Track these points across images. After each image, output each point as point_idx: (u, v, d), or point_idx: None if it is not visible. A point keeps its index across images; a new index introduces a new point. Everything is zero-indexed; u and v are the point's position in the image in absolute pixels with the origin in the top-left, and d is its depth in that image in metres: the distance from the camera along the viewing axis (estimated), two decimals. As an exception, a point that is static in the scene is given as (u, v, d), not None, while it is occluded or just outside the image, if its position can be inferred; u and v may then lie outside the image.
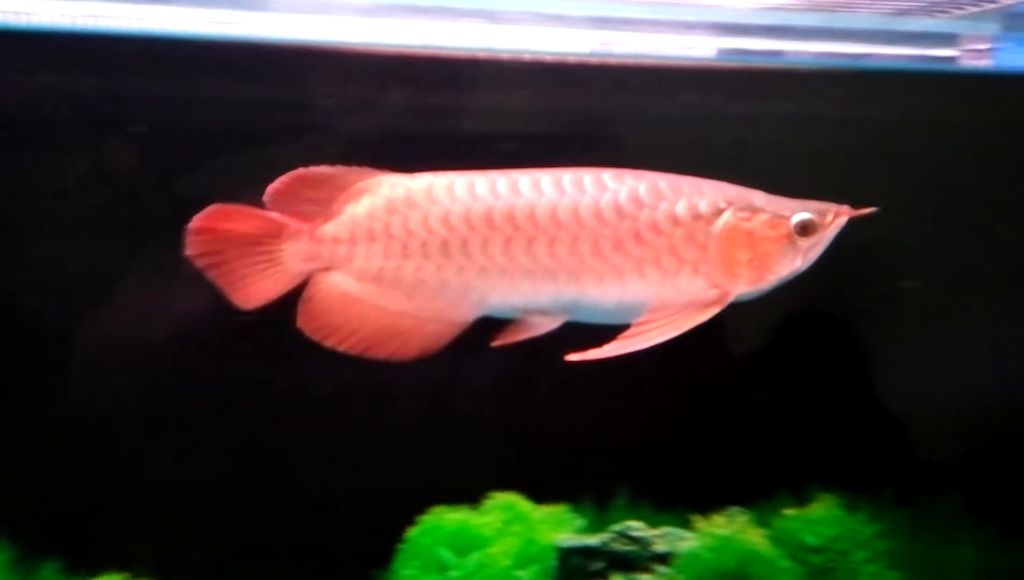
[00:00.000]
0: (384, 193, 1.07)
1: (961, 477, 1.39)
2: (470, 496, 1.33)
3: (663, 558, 1.21)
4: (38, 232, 1.34)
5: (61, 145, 1.33)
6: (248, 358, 1.38)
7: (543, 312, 1.06)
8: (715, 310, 1.03)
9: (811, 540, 1.23)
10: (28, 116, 1.30)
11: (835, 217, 1.05)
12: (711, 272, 1.04)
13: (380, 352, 1.06)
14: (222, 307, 1.07)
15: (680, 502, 1.31)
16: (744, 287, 1.05)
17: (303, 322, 1.06)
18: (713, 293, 1.04)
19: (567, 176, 1.06)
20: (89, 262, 1.34)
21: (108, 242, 1.35)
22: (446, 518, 1.29)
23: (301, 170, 1.07)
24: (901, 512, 1.29)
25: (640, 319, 1.03)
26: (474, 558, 1.24)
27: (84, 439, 1.36)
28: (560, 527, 1.29)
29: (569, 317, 1.06)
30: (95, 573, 1.23)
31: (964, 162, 1.44)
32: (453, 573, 1.23)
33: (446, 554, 1.25)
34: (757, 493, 1.31)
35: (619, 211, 1.04)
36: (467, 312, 1.07)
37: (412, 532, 1.27)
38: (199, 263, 1.07)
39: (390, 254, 1.06)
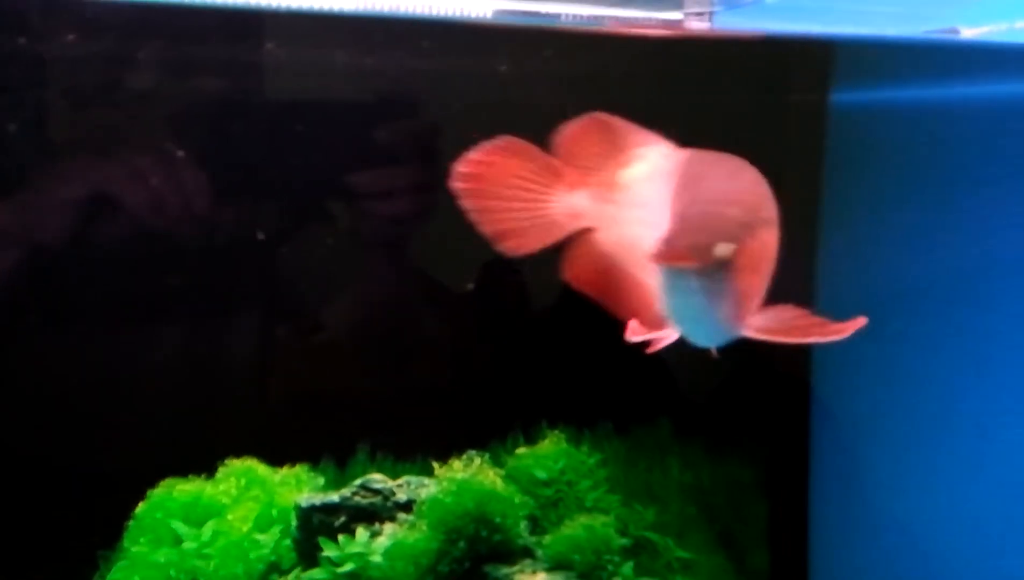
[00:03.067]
0: (655, 162, 1.01)
1: (669, 403, 1.53)
2: (205, 467, 1.29)
3: (405, 506, 1.23)
4: None
5: None
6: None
7: None
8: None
9: (541, 474, 1.30)
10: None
11: None
12: None
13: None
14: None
15: (420, 452, 1.35)
16: None
17: (573, 276, 1.01)
18: None
19: None
20: None
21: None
22: (178, 490, 1.24)
23: (601, 116, 0.99)
24: (618, 441, 1.39)
25: None
26: (210, 527, 1.21)
27: None
28: (300, 488, 1.28)
29: None
30: None
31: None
32: (188, 544, 1.19)
33: (179, 526, 1.20)
34: (490, 436, 1.37)
35: None
36: None
37: (141, 507, 1.21)
38: (470, 200, 0.97)
39: (647, 225, 0.99)
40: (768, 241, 0.95)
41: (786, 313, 0.97)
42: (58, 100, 1.28)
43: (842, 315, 0.96)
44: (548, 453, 1.32)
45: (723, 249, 0.89)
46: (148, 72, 1.30)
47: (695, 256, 0.89)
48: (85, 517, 1.23)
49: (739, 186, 0.98)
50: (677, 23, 1.42)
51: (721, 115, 1.44)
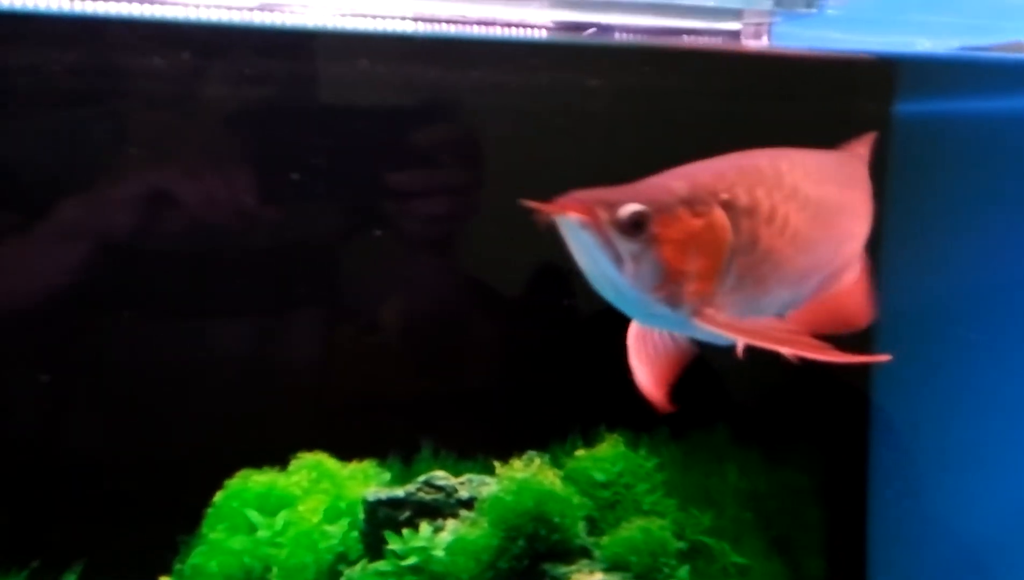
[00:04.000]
0: None
1: (726, 409, 1.54)
2: (278, 459, 1.34)
3: (467, 503, 1.26)
4: None
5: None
6: (56, 324, 1.33)
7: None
8: None
9: (599, 476, 1.32)
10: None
11: None
12: None
13: None
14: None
15: (482, 451, 1.39)
16: None
17: None
18: None
19: None
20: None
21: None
22: (253, 480, 1.30)
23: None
24: (675, 446, 1.41)
25: None
26: (282, 517, 1.26)
27: None
28: (367, 482, 1.33)
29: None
30: None
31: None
32: (262, 533, 1.24)
33: (254, 515, 1.26)
34: (550, 437, 1.40)
35: None
36: None
37: (219, 496, 1.27)
38: None
39: None
40: (719, 225, 0.90)
41: (770, 320, 0.94)
42: (129, 107, 1.35)
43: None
44: (606, 456, 1.35)
45: (628, 209, 0.86)
46: (213, 82, 1.36)
47: (592, 210, 0.85)
48: (168, 504, 1.29)
49: (717, 167, 0.95)
50: (735, 34, 1.43)
51: (785, 126, 1.44)
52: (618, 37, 1.37)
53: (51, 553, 1.27)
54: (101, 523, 1.36)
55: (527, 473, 1.27)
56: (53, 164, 1.33)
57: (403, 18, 1.34)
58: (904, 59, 1.45)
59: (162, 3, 1.24)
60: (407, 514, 1.25)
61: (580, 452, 1.36)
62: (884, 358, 0.93)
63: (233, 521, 1.26)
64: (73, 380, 1.37)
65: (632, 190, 0.89)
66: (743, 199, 0.93)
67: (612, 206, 0.86)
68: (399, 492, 1.26)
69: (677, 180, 0.91)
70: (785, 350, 0.89)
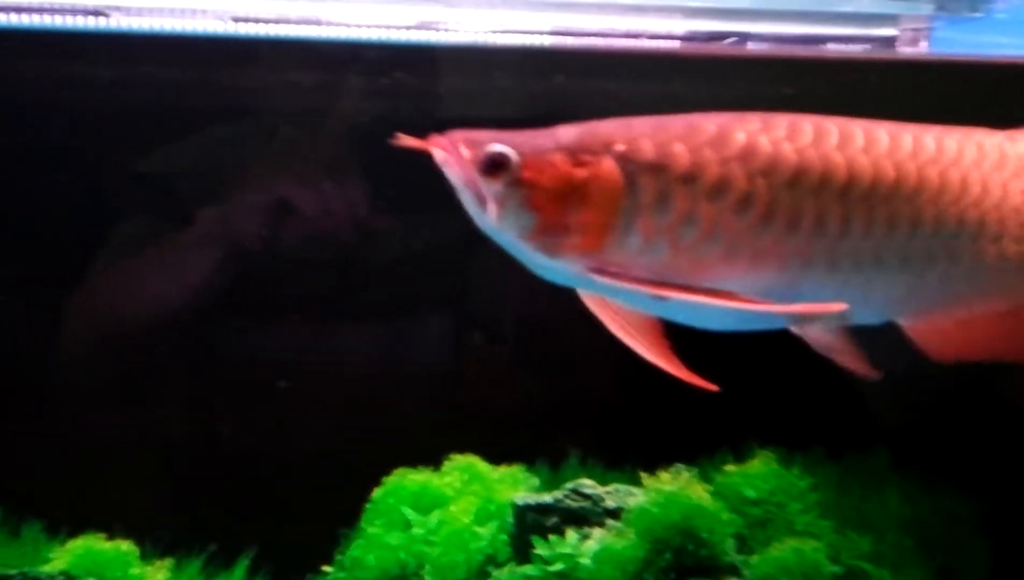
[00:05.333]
0: None
1: (886, 433, 1.47)
2: (432, 459, 1.39)
3: (614, 513, 1.27)
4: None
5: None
6: (213, 326, 1.42)
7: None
8: None
9: (750, 493, 1.30)
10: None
11: None
12: None
13: None
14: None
15: (629, 461, 1.39)
16: None
17: None
18: None
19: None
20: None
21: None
22: (409, 479, 1.34)
23: None
24: (831, 466, 1.37)
25: None
26: (435, 516, 1.30)
27: (65, 404, 1.39)
28: (516, 486, 1.35)
29: None
30: (75, 534, 1.27)
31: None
32: (416, 530, 1.29)
33: (409, 513, 1.31)
34: (699, 451, 1.39)
35: None
36: None
37: (377, 492, 1.33)
38: None
39: None
40: (605, 176, 0.84)
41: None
42: (259, 122, 1.41)
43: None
44: (758, 472, 1.32)
45: (489, 149, 0.83)
46: (336, 99, 1.41)
47: (455, 148, 0.84)
48: (330, 499, 1.36)
49: (641, 120, 0.89)
50: (891, 40, 1.36)
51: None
52: (762, 47, 1.34)
53: (227, 541, 1.36)
54: (271, 516, 1.44)
55: (675, 486, 1.26)
56: (203, 175, 1.41)
57: (542, 32, 1.37)
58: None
59: (316, 23, 1.31)
60: (554, 520, 1.27)
61: (730, 467, 1.34)
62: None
63: (390, 517, 1.31)
64: (231, 381, 1.45)
65: (509, 134, 0.87)
66: (647, 153, 0.86)
67: (478, 146, 0.85)
68: (547, 498, 1.27)
69: (574, 128, 0.88)
70: (707, 302, 0.84)
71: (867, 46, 1.44)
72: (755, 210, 0.87)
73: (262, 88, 1.38)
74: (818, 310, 0.88)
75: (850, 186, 0.89)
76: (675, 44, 1.44)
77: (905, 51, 1.41)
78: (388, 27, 1.36)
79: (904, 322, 0.97)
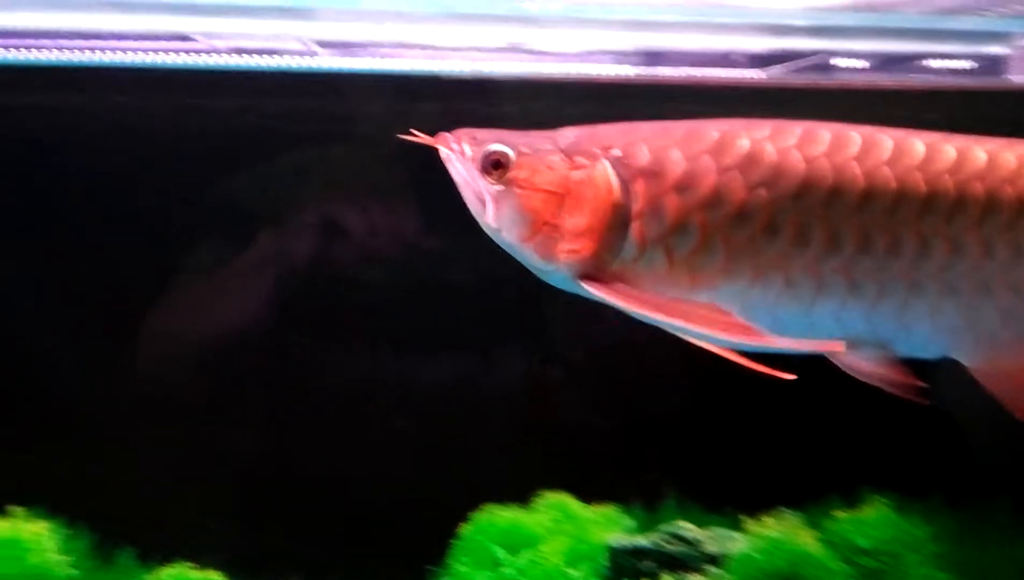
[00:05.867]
0: None
1: (1012, 481, 1.38)
2: (519, 495, 1.35)
3: (714, 559, 1.22)
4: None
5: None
6: (300, 358, 1.41)
7: None
8: None
9: (863, 542, 1.23)
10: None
11: None
12: None
13: None
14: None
15: (727, 503, 1.33)
16: None
17: None
18: None
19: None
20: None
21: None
22: (498, 516, 1.31)
23: None
24: (951, 515, 1.29)
25: None
26: (526, 555, 1.26)
27: (152, 432, 1.39)
28: (610, 527, 1.31)
29: None
30: (166, 562, 1.27)
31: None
32: (506, 570, 1.25)
33: (498, 551, 1.27)
34: (805, 495, 1.32)
35: None
36: None
37: (465, 529, 1.30)
38: None
39: None
40: (598, 180, 0.83)
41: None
42: (313, 150, 1.40)
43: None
44: (872, 520, 1.25)
45: (489, 148, 0.84)
46: (380, 125, 1.39)
47: (459, 145, 0.84)
48: (418, 535, 1.33)
49: (645, 125, 0.88)
50: (1001, 60, 1.30)
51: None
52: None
53: (313, 575, 1.33)
54: (357, 550, 1.42)
55: (780, 532, 1.20)
56: (265, 202, 1.40)
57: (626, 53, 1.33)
58: None
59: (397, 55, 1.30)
60: (651, 564, 1.22)
61: (840, 513, 1.27)
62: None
63: (478, 555, 1.27)
64: (319, 412, 1.43)
65: (514, 134, 0.87)
66: (642, 158, 0.85)
67: (481, 144, 0.85)
68: (644, 541, 1.23)
69: (577, 130, 0.88)
70: (694, 327, 0.80)
71: (972, 63, 1.37)
72: (756, 222, 0.84)
73: (344, 117, 1.37)
74: (806, 347, 0.84)
75: (869, 200, 0.84)
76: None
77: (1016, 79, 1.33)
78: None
79: (967, 362, 0.90)
